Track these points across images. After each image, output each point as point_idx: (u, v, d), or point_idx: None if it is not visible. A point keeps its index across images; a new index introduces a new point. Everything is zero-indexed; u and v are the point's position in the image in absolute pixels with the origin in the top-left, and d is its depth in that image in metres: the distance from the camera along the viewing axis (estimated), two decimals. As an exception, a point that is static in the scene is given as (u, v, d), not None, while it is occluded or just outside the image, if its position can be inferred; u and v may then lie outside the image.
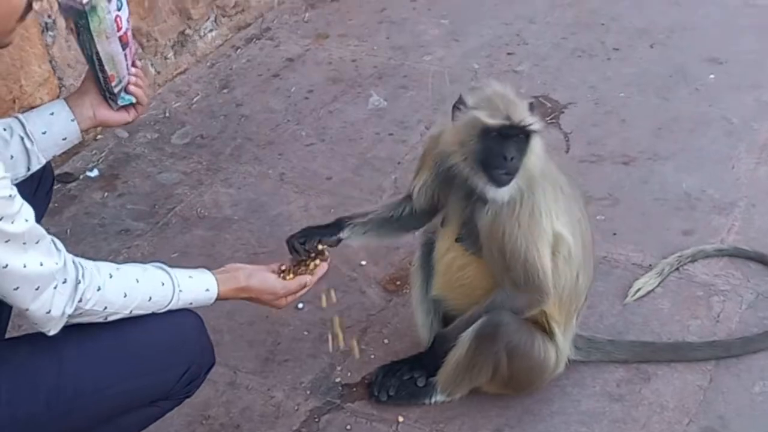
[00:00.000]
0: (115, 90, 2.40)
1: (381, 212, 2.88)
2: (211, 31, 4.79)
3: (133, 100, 2.46)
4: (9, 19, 2.00)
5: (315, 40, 4.91)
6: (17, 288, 1.99)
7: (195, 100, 4.48)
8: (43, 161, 2.41)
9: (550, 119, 4.20)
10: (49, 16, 3.84)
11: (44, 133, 2.38)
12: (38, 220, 2.06)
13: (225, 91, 4.54)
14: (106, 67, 2.33)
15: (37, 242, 2.00)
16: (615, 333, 3.13)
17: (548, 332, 2.77)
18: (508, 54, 4.70)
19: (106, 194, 3.89)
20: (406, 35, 4.92)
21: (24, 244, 1.96)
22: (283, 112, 4.36)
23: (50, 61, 3.90)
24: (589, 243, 2.75)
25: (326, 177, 3.93)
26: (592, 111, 4.26)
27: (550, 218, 2.60)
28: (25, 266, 1.97)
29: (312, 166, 4.01)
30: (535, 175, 2.57)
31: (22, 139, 2.36)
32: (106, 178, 3.98)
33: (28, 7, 2.02)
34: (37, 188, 2.49)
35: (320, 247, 2.66)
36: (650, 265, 3.37)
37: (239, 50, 4.85)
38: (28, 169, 2.39)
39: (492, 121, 2.51)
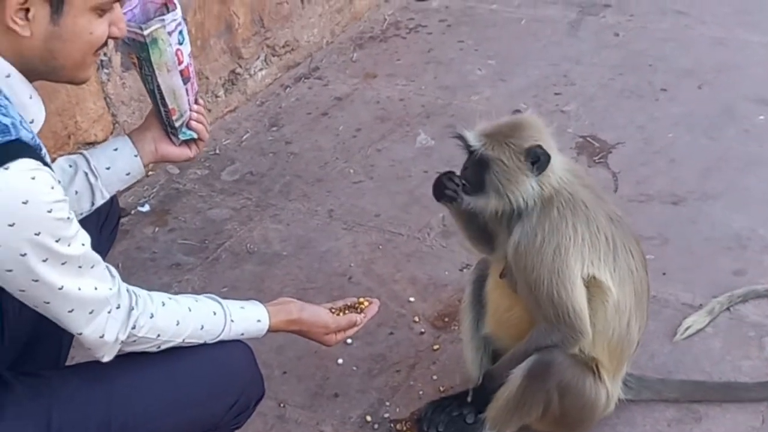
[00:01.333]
0: (176, 124, 2.43)
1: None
2: (261, 70, 4.86)
3: (195, 136, 2.48)
4: (87, 53, 2.05)
5: (363, 80, 4.96)
6: (71, 310, 2.02)
7: (245, 137, 4.53)
8: (107, 196, 2.45)
9: (598, 159, 4.20)
10: (105, 54, 3.92)
11: (108, 168, 2.42)
12: (103, 256, 2.10)
13: (274, 129, 4.59)
14: (167, 101, 2.37)
15: (92, 267, 2.03)
16: (665, 372, 3.11)
17: (599, 375, 2.75)
18: (556, 94, 4.72)
19: (157, 229, 3.94)
20: (453, 75, 4.96)
21: (79, 267, 1.99)
22: (332, 150, 4.40)
23: (105, 98, 3.97)
24: (644, 291, 2.73)
25: (374, 214, 3.96)
26: (640, 151, 4.26)
27: (581, 260, 2.57)
28: (79, 289, 2.00)
29: (360, 203, 4.04)
30: (549, 210, 2.56)
31: (86, 174, 2.40)
32: (158, 213, 4.03)
33: (106, 41, 2.07)
34: (103, 225, 2.54)
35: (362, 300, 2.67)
36: (700, 304, 3.35)
37: (288, 89, 4.91)
38: (92, 204, 2.43)
39: (460, 131, 2.59)
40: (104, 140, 3.96)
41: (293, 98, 4.83)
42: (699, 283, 3.47)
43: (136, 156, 2.45)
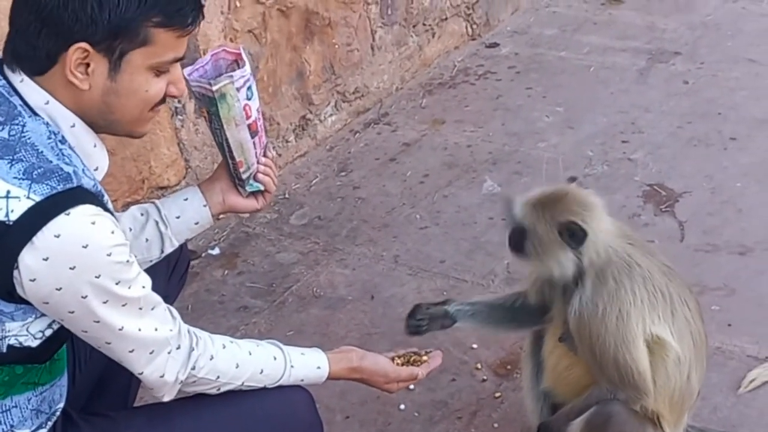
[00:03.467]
0: (244, 176, 2.48)
1: (494, 300, 2.92)
2: (331, 115, 4.94)
3: (261, 188, 2.53)
4: (143, 110, 2.10)
5: (431, 126, 5.02)
6: (132, 351, 2.08)
7: (314, 182, 4.61)
8: (176, 244, 2.51)
9: (665, 208, 4.19)
10: (179, 101, 4.03)
11: (178, 217, 2.49)
12: (172, 301, 2.16)
13: (343, 173, 4.66)
14: (235, 154, 2.43)
15: (152, 308, 2.08)
16: (729, 425, 3.08)
17: (660, 427, 2.74)
18: (623, 142, 4.73)
19: (226, 272, 4.02)
20: (520, 122, 4.99)
21: (140, 309, 2.05)
22: (399, 196, 4.46)
23: (178, 144, 4.08)
24: (702, 341, 2.72)
25: (439, 260, 3.99)
26: (708, 200, 4.24)
27: (642, 321, 2.58)
28: (140, 330, 2.05)
29: (426, 249, 4.07)
30: (607, 278, 2.58)
31: (157, 223, 2.48)
32: (227, 257, 4.12)
33: (163, 99, 2.13)
34: (173, 271, 2.61)
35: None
36: (766, 357, 3.32)
37: (358, 134, 4.99)
38: (162, 251, 2.50)
39: (510, 195, 2.66)
40: (177, 185, 4.06)
41: (362, 143, 4.90)
42: (765, 335, 3.43)
43: (205, 206, 2.51)
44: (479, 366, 3.41)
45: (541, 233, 2.57)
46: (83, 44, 1.96)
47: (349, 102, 5.04)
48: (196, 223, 2.52)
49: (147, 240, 2.47)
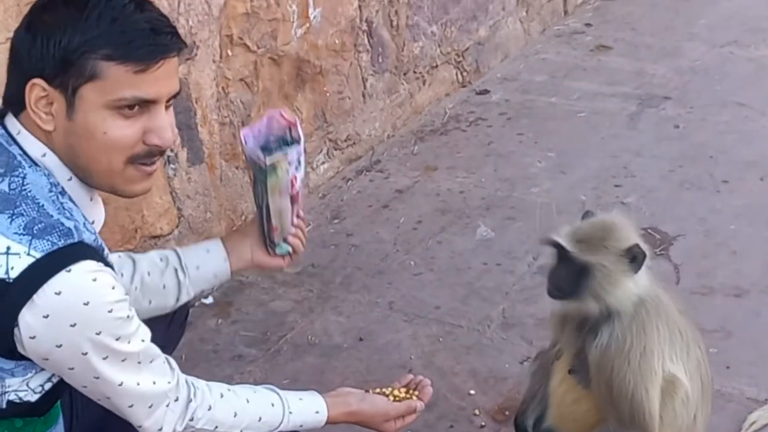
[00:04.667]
0: (276, 240, 2.51)
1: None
2: (323, 163, 4.94)
3: (290, 250, 2.56)
4: (111, 156, 1.99)
5: (424, 172, 5.02)
6: (132, 405, 2.06)
7: (307, 230, 4.56)
8: (192, 295, 2.51)
9: (659, 251, 4.19)
10: (171, 150, 4.03)
11: (198, 268, 2.49)
12: (170, 351, 2.15)
13: (336, 221, 4.65)
14: (273, 220, 2.46)
15: (151, 361, 2.07)
16: (730, 469, 3.06)
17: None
18: (616, 186, 4.74)
19: (220, 321, 3.99)
20: (512, 167, 5.00)
21: (139, 363, 2.03)
22: (392, 242, 4.44)
23: (171, 193, 4.07)
24: (708, 383, 2.71)
25: (434, 306, 3.97)
26: (701, 243, 4.24)
27: (662, 359, 2.57)
28: (138, 384, 2.04)
29: (420, 295, 4.06)
30: (637, 312, 2.56)
31: (176, 271, 2.47)
32: (221, 306, 4.09)
33: (149, 152, 2.02)
34: (172, 320, 2.59)
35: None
36: (765, 399, 3.30)
37: (350, 182, 4.99)
38: (177, 300, 2.49)
39: (554, 237, 2.58)
40: (170, 233, 4.04)
41: (355, 191, 4.90)
42: (764, 376, 3.42)
43: (225, 260, 2.52)
44: (477, 412, 3.38)
45: (608, 265, 2.53)
46: (37, 80, 1.94)
47: (341, 150, 5.05)
48: (214, 276, 2.53)
49: (164, 287, 2.47)
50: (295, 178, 2.41)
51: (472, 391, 3.47)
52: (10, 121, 2.02)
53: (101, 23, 1.92)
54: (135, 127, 1.98)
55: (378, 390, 2.58)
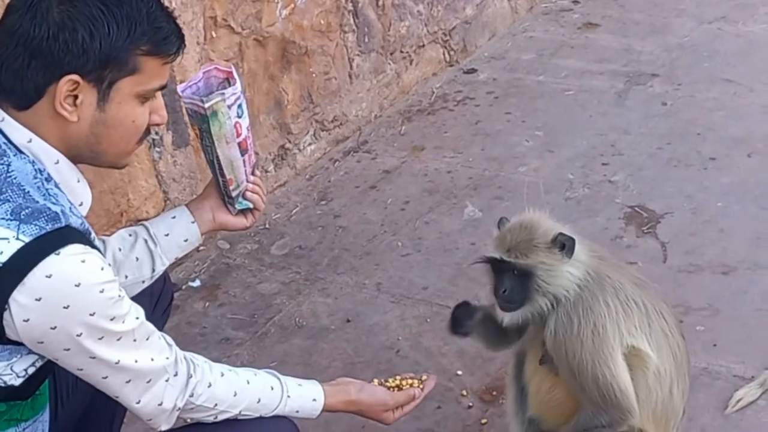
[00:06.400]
0: (233, 194, 2.50)
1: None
2: (310, 144, 4.93)
3: (251, 206, 2.55)
4: (130, 140, 2.13)
5: (411, 153, 5.01)
6: (129, 381, 2.07)
7: (294, 211, 4.59)
8: (167, 263, 2.52)
9: (647, 229, 4.19)
10: (157, 133, 4.01)
11: (167, 235, 2.50)
12: None
13: (323, 202, 4.64)
14: (225, 171, 2.44)
15: (147, 338, 2.09)
16: (717, 446, 3.07)
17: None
18: (603, 164, 4.72)
19: (207, 304, 3.99)
20: (500, 147, 4.99)
21: (134, 341, 2.05)
22: (380, 223, 4.44)
23: (156, 176, 4.06)
24: (682, 355, 2.71)
25: (422, 287, 3.97)
26: (689, 221, 4.24)
27: (618, 334, 2.57)
28: (136, 361, 2.06)
29: (408, 276, 4.05)
30: (579, 293, 2.57)
31: (146, 241, 2.48)
32: (208, 288, 4.08)
33: (147, 130, 2.15)
34: (156, 304, 2.61)
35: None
36: (752, 376, 3.31)
37: (337, 163, 4.97)
38: (153, 270, 2.50)
39: (486, 254, 2.63)
40: (155, 217, 4.02)
41: (342, 172, 4.89)
42: (751, 354, 3.43)
43: (193, 223, 2.52)
44: (465, 392, 3.38)
45: (545, 260, 2.56)
46: (74, 76, 1.97)
47: (327, 131, 5.03)
48: (185, 241, 2.53)
49: (137, 259, 2.47)
50: (239, 124, 2.39)
51: (460, 372, 3.47)
52: None
53: (140, 20, 2.02)
54: (147, 110, 2.13)
55: (378, 381, 2.60)
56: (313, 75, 4.83)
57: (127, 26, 2.00)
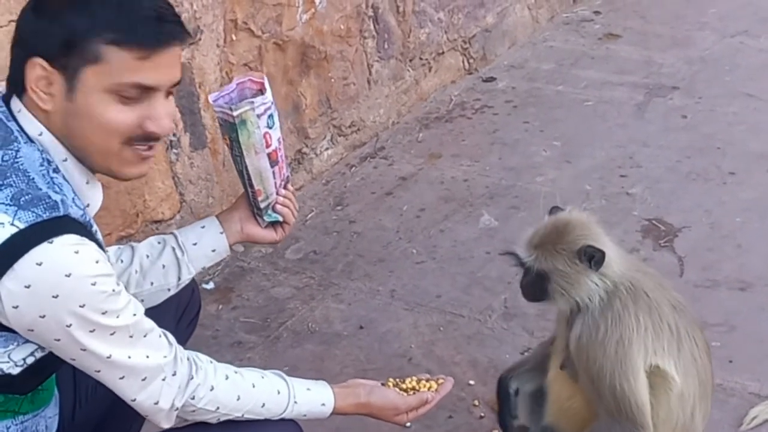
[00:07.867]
0: (262, 205, 2.48)
1: (540, 357, 2.89)
2: (327, 149, 4.92)
3: (280, 219, 2.52)
4: (107, 138, 2.01)
5: (428, 160, 4.99)
6: (122, 377, 2.05)
7: (309, 216, 4.57)
8: (193, 272, 2.51)
9: (664, 243, 4.16)
10: (174, 135, 4.00)
11: (195, 244, 2.49)
12: (182, 346, 2.14)
13: (339, 208, 4.63)
14: (254, 182, 2.42)
15: (145, 335, 2.05)
16: (731, 464, 3.04)
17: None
18: (621, 176, 4.70)
19: (220, 307, 3.98)
20: (518, 156, 4.96)
21: (131, 337, 2.02)
22: (395, 230, 4.42)
23: (173, 177, 4.05)
24: (708, 380, 2.68)
25: (436, 295, 3.95)
26: (707, 235, 4.21)
27: (644, 351, 2.55)
28: (129, 357, 2.03)
29: (422, 283, 4.03)
30: (609, 302, 2.55)
31: (174, 249, 2.47)
32: (222, 291, 4.07)
33: (145, 137, 2.04)
34: (182, 316, 2.61)
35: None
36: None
37: (354, 168, 4.96)
38: (179, 279, 2.49)
39: (509, 248, 2.66)
40: (171, 219, 4.03)
41: (358, 178, 4.87)
42: (766, 372, 3.39)
43: (221, 233, 2.51)
44: (476, 402, 3.36)
45: (562, 268, 2.54)
46: (38, 59, 1.95)
47: (345, 136, 5.02)
48: (213, 251, 2.52)
49: (164, 266, 2.47)
50: (269, 135, 2.37)
51: (472, 382, 3.45)
52: (14, 101, 2.03)
53: (107, 7, 1.95)
54: (134, 113, 2.00)
55: (392, 381, 2.56)
56: (332, 80, 4.82)
57: (89, 12, 1.94)
